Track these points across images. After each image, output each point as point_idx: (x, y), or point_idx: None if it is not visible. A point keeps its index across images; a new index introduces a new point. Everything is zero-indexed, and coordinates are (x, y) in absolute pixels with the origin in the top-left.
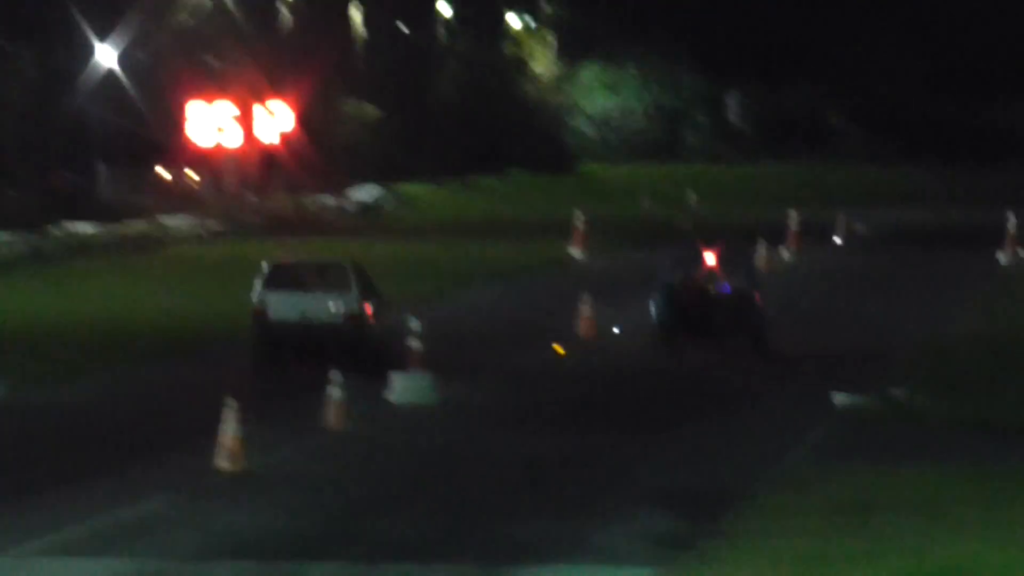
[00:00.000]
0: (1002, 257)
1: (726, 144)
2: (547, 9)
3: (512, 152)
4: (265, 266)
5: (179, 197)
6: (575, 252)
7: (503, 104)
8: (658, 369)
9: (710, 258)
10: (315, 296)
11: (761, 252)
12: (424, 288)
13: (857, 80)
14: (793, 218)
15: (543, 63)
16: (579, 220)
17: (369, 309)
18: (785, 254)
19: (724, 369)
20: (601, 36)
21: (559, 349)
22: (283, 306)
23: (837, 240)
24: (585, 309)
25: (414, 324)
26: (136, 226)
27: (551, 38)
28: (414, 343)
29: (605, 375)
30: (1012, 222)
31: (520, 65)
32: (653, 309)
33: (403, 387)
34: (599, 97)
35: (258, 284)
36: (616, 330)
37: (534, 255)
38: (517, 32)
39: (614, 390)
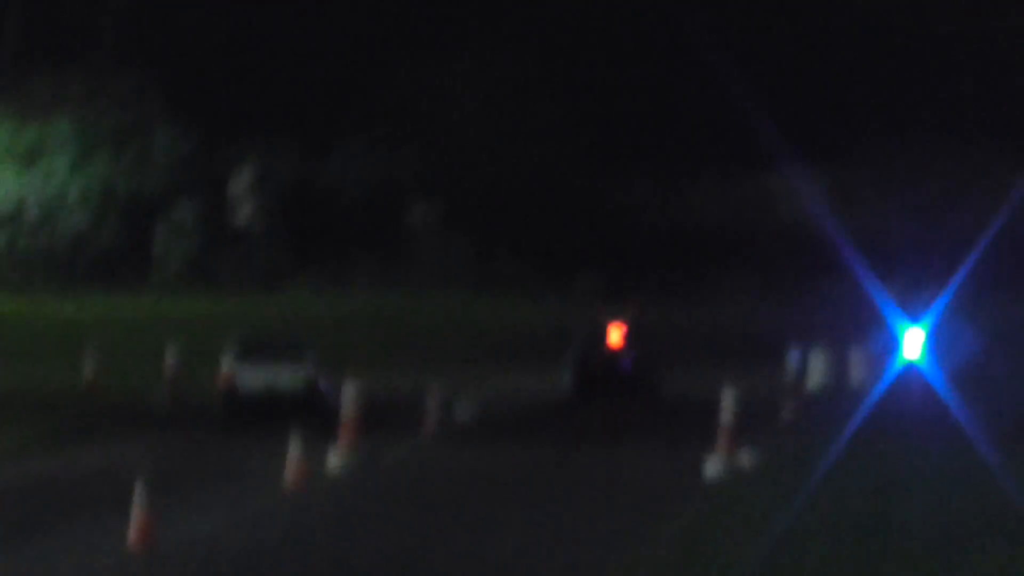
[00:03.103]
0: (710, 465)
1: (232, 255)
2: None
3: None
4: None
5: None
6: None
7: None
8: None
9: (614, 337)
10: (279, 367)
11: (297, 450)
12: None
13: (450, 139)
14: (351, 388)
15: None
16: None
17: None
18: (333, 458)
19: None
20: (8, 63)
21: None
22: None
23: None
24: None
25: None
26: None
27: None
28: None
29: None
30: (729, 400)
31: None
32: (566, 377)
33: None
34: (4, 173)
35: (230, 353)
36: None
37: None
38: None
39: None
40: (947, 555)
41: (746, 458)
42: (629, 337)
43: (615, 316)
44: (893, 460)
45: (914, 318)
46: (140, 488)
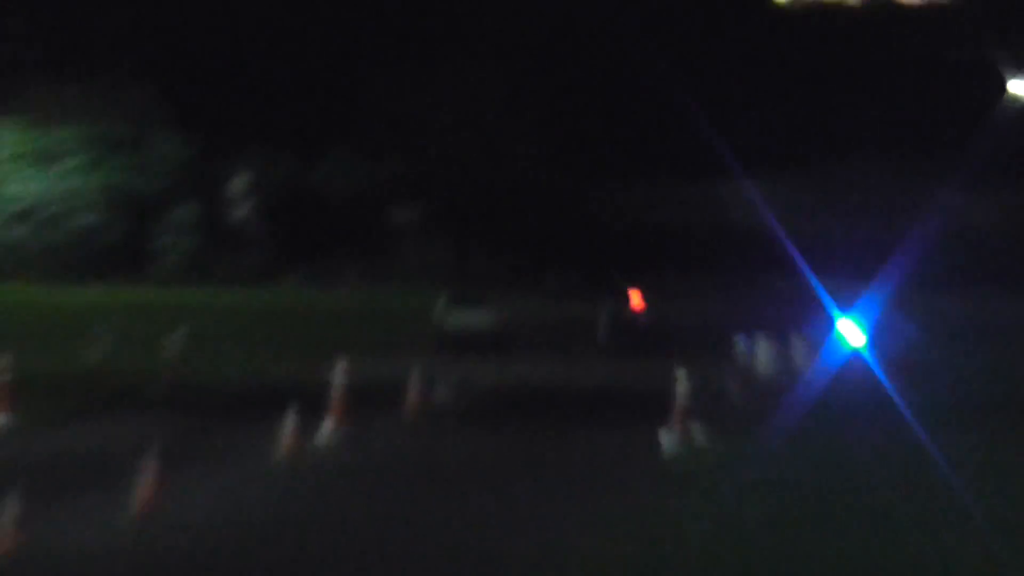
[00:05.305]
0: (666, 437)
1: (228, 252)
2: None
3: None
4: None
5: None
6: None
7: None
8: None
9: (634, 300)
10: (474, 311)
11: (288, 429)
12: None
13: (431, 145)
14: (340, 373)
15: None
16: (2, 369)
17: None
18: (322, 435)
19: None
20: (25, 76)
21: None
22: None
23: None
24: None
25: None
26: None
27: None
28: None
29: None
30: (683, 380)
31: None
32: (601, 333)
33: None
34: (21, 175)
35: (441, 303)
36: None
37: None
38: None
39: None
40: (883, 536)
41: (698, 433)
42: (646, 301)
43: (632, 284)
44: (838, 441)
45: (847, 309)
46: (141, 463)
